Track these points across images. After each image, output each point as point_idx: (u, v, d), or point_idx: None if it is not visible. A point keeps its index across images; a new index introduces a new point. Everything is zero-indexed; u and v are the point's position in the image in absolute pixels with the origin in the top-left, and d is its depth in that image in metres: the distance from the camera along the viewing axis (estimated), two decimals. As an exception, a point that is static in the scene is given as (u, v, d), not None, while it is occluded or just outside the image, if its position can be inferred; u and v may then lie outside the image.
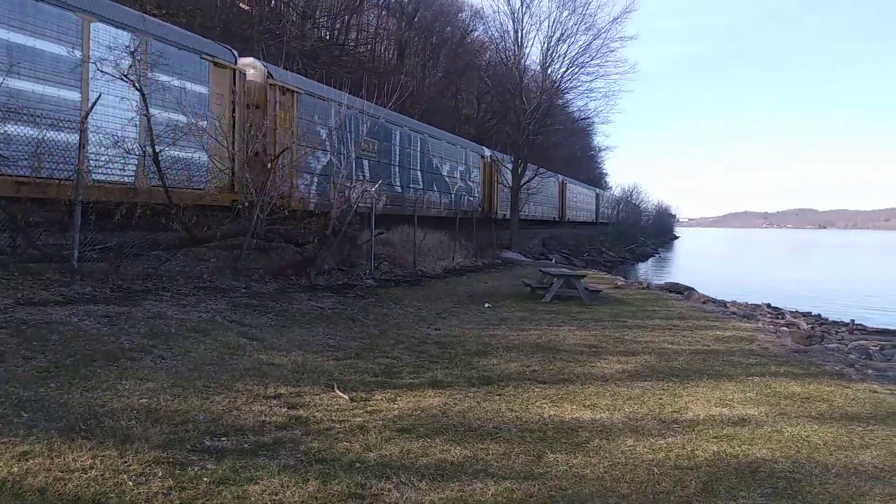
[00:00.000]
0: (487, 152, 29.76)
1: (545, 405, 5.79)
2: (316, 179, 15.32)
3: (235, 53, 13.04)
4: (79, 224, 8.35)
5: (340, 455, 4.25)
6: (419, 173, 22.23)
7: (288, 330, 8.17)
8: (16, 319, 6.36)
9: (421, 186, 22.24)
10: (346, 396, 5.60)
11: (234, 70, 12.82)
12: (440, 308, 11.56)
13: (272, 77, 13.88)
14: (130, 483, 3.52)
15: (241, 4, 26.79)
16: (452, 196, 25.53)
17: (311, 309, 9.72)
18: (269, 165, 11.72)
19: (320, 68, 24.81)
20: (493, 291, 14.75)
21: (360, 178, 16.59)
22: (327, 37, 32.95)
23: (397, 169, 20.37)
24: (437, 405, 5.57)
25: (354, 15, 33.95)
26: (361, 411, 5.25)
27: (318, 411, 5.15)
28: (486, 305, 12.30)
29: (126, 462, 3.75)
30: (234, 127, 12.52)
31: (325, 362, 6.84)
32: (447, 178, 25.03)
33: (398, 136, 20.36)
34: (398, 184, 20.35)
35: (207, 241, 11.30)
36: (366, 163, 17.55)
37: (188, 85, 11.58)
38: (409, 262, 17.12)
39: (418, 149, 22.09)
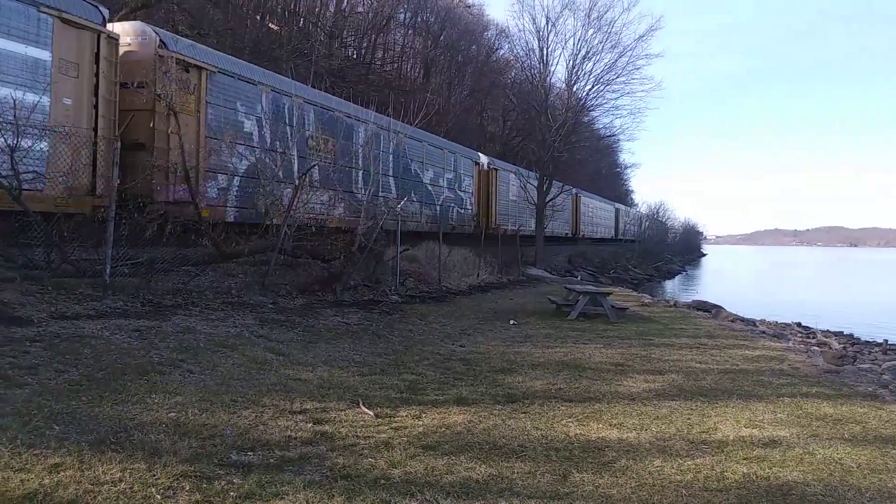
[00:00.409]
0: (483, 159, 27.55)
1: (571, 424, 5.74)
2: (237, 182, 12.62)
3: (104, 12, 10.00)
4: (111, 239, 8.53)
5: (365, 471, 4.25)
6: (391, 179, 19.20)
7: (314, 345, 8.22)
8: (49, 333, 6.50)
9: (394, 195, 18.76)
10: (371, 412, 5.61)
11: (100, 33, 9.78)
12: (465, 325, 11.55)
13: (165, 47, 10.92)
14: (158, 496, 3.55)
15: (270, 25, 27.29)
16: (438, 207, 22.71)
17: (336, 324, 9.77)
18: (299, 182, 11.84)
19: (348, 87, 25.13)
20: (518, 308, 14.70)
21: (308, 182, 13.20)
22: (354, 56, 33.40)
23: (360, 173, 17.08)
24: (462, 422, 5.56)
25: (381, 34, 34.39)
26: (386, 427, 5.25)
27: (343, 427, 5.17)
28: (511, 322, 12.26)
29: (154, 475, 3.79)
30: (96, 110, 9.77)
31: (351, 378, 6.86)
32: (430, 187, 22.11)
33: (362, 135, 17.10)
34: (362, 191, 16.53)
35: (235, 256, 11.45)
36: (316, 164, 14.26)
37: (6, 45, 8.61)
38: (434, 278, 17.15)
39: (390, 151, 18.81)
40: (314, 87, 16.32)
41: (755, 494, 4.30)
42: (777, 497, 4.28)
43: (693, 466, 4.77)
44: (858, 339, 16.12)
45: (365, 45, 33.95)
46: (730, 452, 5.15)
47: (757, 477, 4.62)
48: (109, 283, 8.64)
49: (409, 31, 37.98)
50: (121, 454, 4.03)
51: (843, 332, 17.28)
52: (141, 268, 9.47)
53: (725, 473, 4.65)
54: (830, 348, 12.53)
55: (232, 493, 3.70)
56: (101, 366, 5.80)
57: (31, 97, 8.70)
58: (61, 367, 5.56)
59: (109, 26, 10.10)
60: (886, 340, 15.33)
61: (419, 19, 37.86)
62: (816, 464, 4.96)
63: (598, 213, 50.71)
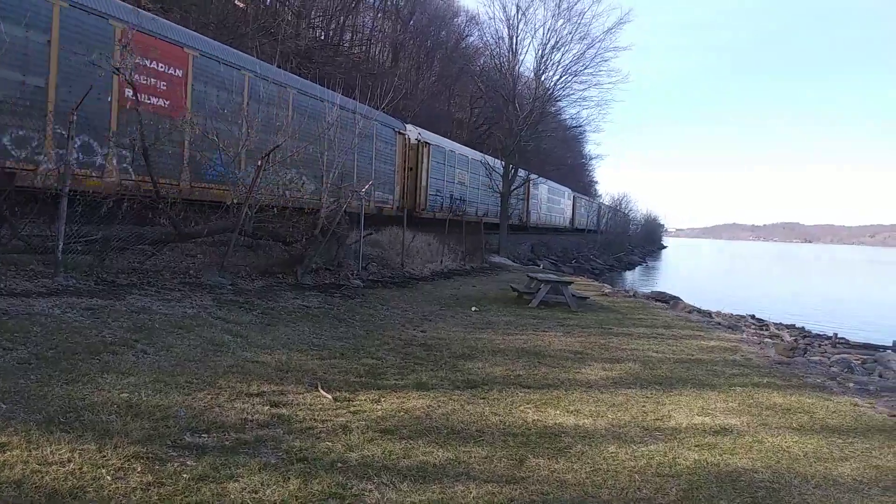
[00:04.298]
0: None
1: (529, 410, 5.79)
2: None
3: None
4: (64, 215, 8.28)
5: (322, 454, 4.23)
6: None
7: (273, 328, 8.13)
8: (-3, 310, 6.30)
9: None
10: (329, 396, 5.58)
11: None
12: (427, 310, 11.55)
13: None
14: (109, 477, 3.48)
15: (236, 1, 26.70)
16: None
17: (297, 308, 9.68)
18: (259, 163, 11.64)
19: (314, 68, 24.77)
20: (480, 295, 14.75)
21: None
22: (322, 37, 32.91)
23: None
24: (420, 407, 5.56)
25: (350, 16, 33.95)
26: (344, 411, 5.22)
27: (300, 410, 5.12)
28: (473, 309, 12.30)
29: (105, 456, 3.71)
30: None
31: (310, 361, 6.81)
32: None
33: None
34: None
35: (194, 236, 11.23)
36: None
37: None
38: (396, 263, 17.09)
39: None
40: (280, 67, 16.28)
41: (705, 480, 4.40)
42: (726, 483, 4.38)
43: (646, 452, 4.86)
44: (809, 332, 16.61)
45: (333, 26, 33.46)
46: (682, 439, 5.25)
47: (707, 463, 4.73)
48: (62, 261, 8.40)
49: (379, 14, 37.57)
50: (70, 434, 3.93)
51: (794, 324, 17.78)
52: (95, 245, 9.23)
53: (677, 459, 4.75)
54: (782, 340, 12.87)
55: (185, 475, 3.64)
56: (52, 344, 5.65)
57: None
58: (9, 345, 5.39)
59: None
60: (836, 334, 15.82)
61: (389, 2, 37.49)
62: (765, 451, 5.10)
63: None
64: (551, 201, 44.26)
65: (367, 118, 15.93)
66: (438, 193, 24.66)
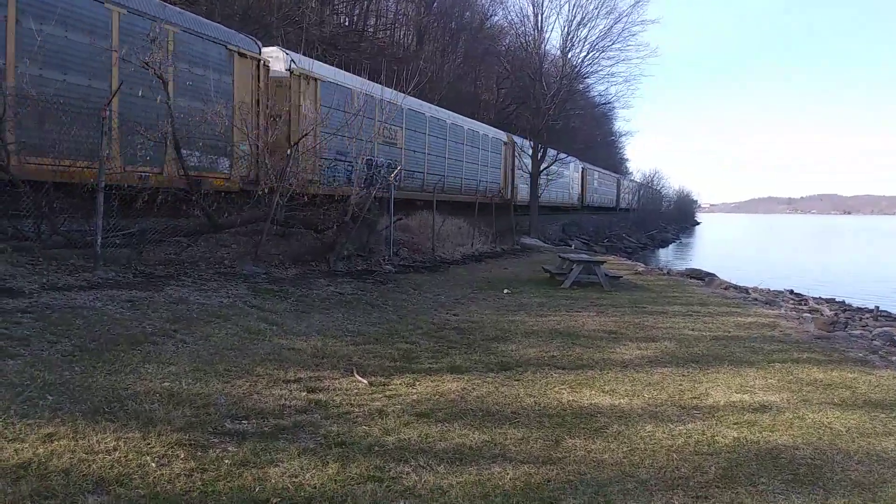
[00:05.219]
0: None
1: (564, 391, 5.78)
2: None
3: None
4: (101, 210, 8.45)
5: (359, 438, 4.28)
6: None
7: (307, 315, 8.23)
8: (41, 304, 6.47)
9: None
10: (365, 381, 5.63)
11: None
12: (459, 294, 11.57)
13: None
14: (153, 464, 3.57)
15: (260, -9, 26.77)
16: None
17: (330, 294, 9.77)
18: (288, 151, 11.73)
19: (340, 55, 24.77)
20: (512, 277, 14.73)
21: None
22: (346, 23, 32.91)
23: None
24: (455, 390, 5.59)
25: (373, 0, 33.83)
26: (380, 396, 5.28)
27: (337, 395, 5.19)
28: (505, 291, 12.28)
29: (149, 444, 3.81)
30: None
31: (345, 347, 6.88)
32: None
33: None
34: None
35: (228, 227, 11.39)
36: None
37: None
38: (427, 247, 17.12)
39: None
40: (307, 56, 16.27)
41: (745, 458, 4.35)
42: (767, 460, 4.33)
43: (684, 431, 4.82)
44: (850, 305, 16.23)
45: (357, 11, 33.43)
46: (721, 417, 5.20)
47: (747, 441, 4.67)
48: (101, 254, 8.59)
49: (402, -2, 37.40)
50: (115, 423, 4.04)
51: (834, 298, 17.40)
52: (132, 238, 9.42)
53: (716, 438, 4.70)
54: (822, 315, 12.61)
55: (227, 461, 3.72)
56: (94, 336, 5.79)
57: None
58: (53, 338, 5.54)
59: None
60: (877, 307, 15.45)
61: (412, -15, 37.26)
62: (806, 428, 5.02)
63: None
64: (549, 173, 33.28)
65: (141, 14, 10.38)
66: (340, 158, 15.54)
